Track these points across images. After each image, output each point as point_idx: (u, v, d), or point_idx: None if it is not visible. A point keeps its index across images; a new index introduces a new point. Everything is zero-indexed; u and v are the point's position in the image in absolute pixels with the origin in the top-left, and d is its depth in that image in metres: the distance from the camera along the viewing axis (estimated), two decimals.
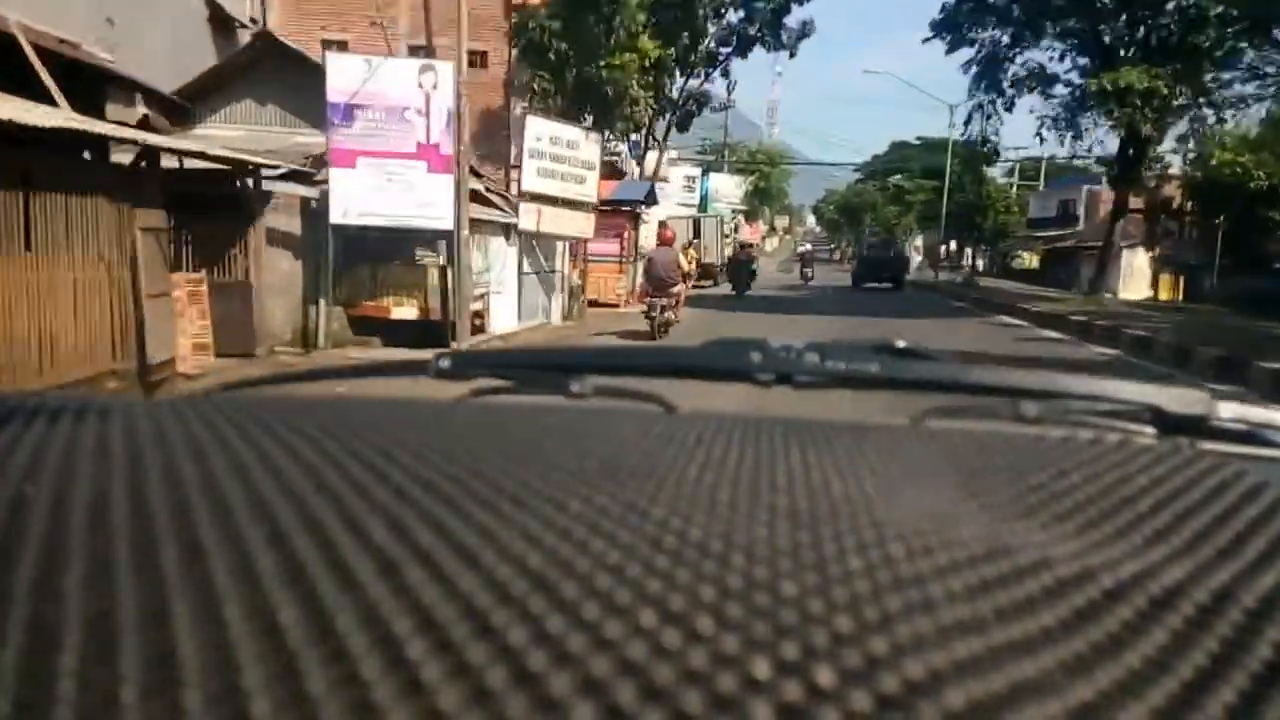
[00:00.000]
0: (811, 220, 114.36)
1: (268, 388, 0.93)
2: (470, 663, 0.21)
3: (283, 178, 8.84)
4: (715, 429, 0.57)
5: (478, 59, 15.37)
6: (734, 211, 36.03)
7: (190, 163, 7.70)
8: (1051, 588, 0.28)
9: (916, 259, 39.59)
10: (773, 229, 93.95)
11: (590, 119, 16.38)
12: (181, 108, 9.41)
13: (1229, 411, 0.66)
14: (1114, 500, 0.40)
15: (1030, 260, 48.28)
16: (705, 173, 35.22)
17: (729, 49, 25.42)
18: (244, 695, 0.19)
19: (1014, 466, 0.47)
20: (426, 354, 0.80)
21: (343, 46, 14.68)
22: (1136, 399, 0.66)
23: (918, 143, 54.76)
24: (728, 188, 35.35)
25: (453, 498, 0.34)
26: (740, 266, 21.46)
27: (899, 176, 51.52)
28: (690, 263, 15.67)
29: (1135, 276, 33.57)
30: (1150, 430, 0.64)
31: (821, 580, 0.27)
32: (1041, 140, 21.13)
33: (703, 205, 35.07)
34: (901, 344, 0.78)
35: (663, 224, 14.43)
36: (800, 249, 41.28)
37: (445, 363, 0.77)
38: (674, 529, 0.32)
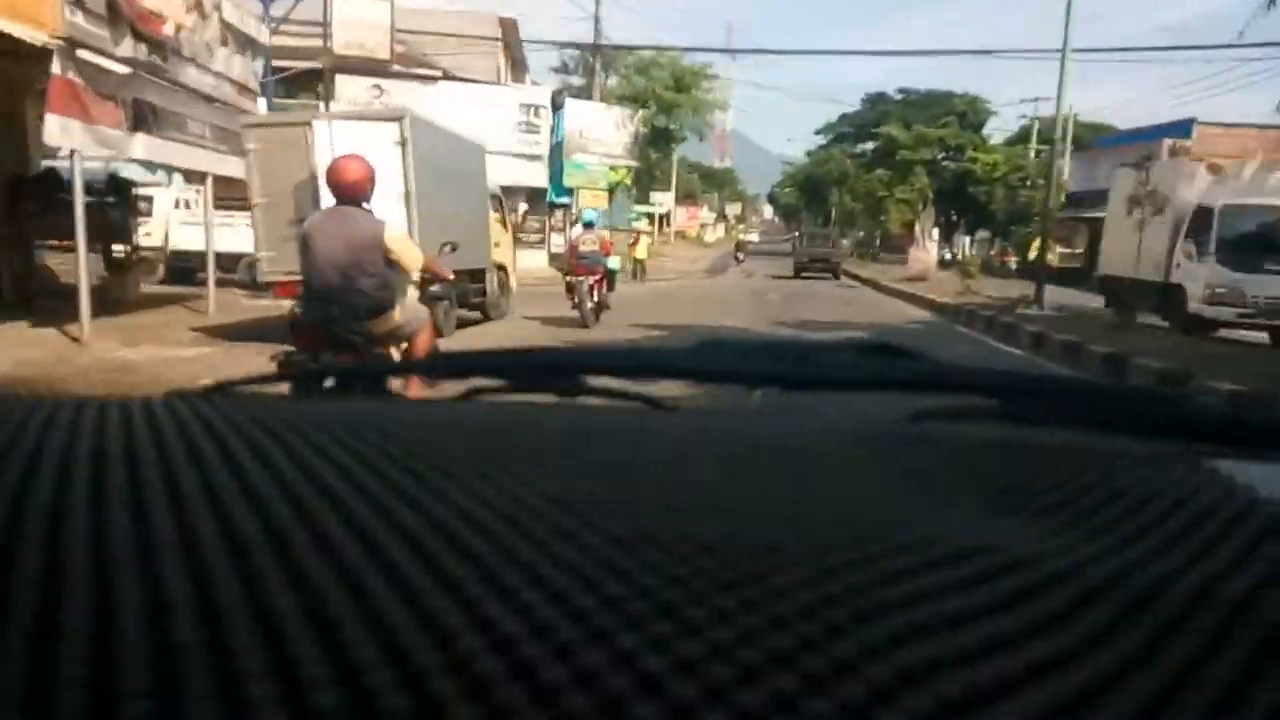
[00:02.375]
0: (769, 211, 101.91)
1: (264, 386, 0.90)
2: (467, 656, 0.22)
3: None
4: (706, 428, 0.59)
5: None
6: (614, 168, 21.42)
7: None
8: (1035, 584, 0.28)
9: (930, 250, 23.81)
10: (723, 217, 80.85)
11: None
12: None
13: (1217, 413, 0.66)
14: (1099, 499, 0.40)
15: (1027, 249, 34.12)
16: (557, 105, 20.50)
17: None
18: (244, 694, 0.20)
19: (1002, 466, 0.49)
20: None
21: None
22: (1124, 400, 0.69)
23: (899, 96, 40.70)
24: (603, 128, 20.82)
25: (449, 495, 0.35)
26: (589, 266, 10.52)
27: (889, 127, 37.18)
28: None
29: None
30: (1137, 431, 0.64)
31: (813, 575, 0.28)
32: None
33: (556, 157, 20.38)
34: (893, 344, 0.78)
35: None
36: (741, 238, 37.84)
37: (442, 363, 0.79)
38: (667, 526, 0.32)
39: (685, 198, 60.66)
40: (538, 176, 19.74)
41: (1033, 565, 0.30)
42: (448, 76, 19.01)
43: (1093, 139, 38.41)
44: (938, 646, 0.23)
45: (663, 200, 48.67)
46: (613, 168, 21.45)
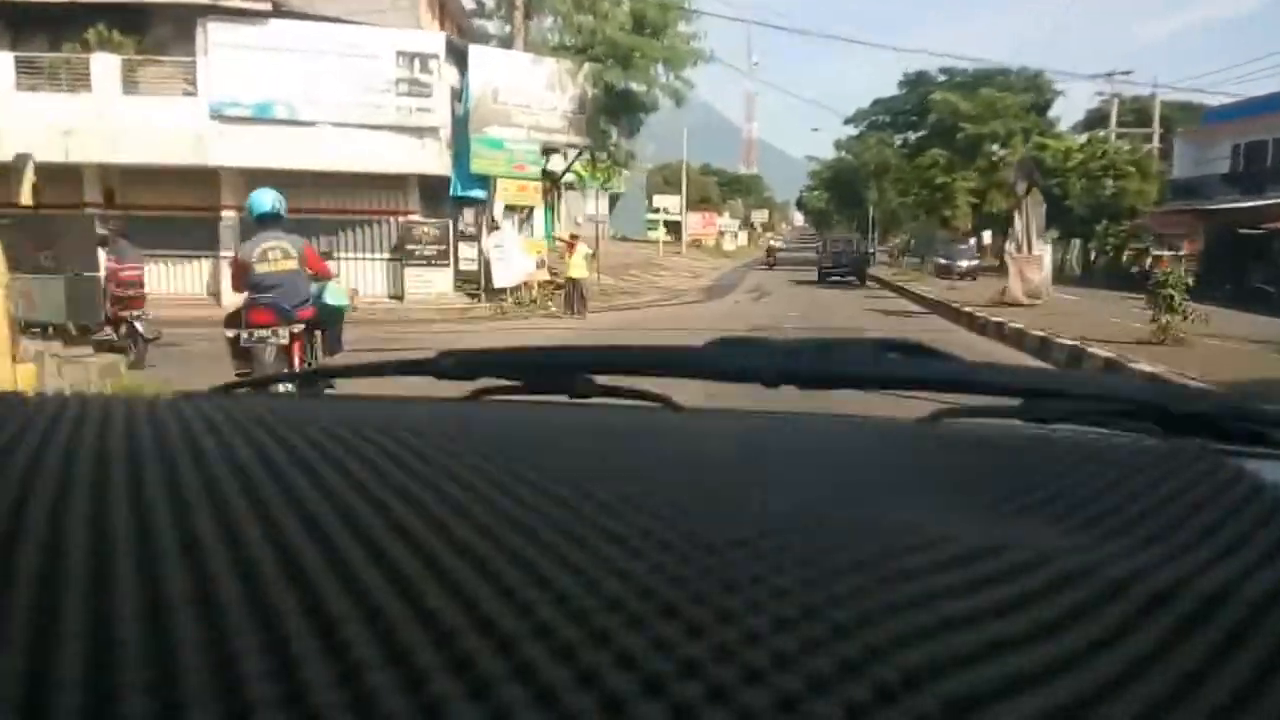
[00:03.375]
0: (800, 218, 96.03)
1: (270, 387, 0.87)
2: (470, 657, 0.21)
3: None
4: (719, 427, 0.58)
5: None
6: (550, 149, 14.84)
7: None
8: (1051, 583, 0.28)
9: (1042, 257, 14.40)
10: (749, 224, 74.29)
11: None
12: None
13: (1234, 412, 0.65)
14: (1117, 498, 0.40)
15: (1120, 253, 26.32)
16: (458, 56, 13.94)
17: None
18: (244, 694, 0.20)
19: (1021, 465, 0.49)
20: (431, 354, 0.81)
21: None
22: (1143, 399, 0.67)
23: (943, 78, 33.77)
24: (530, 90, 14.18)
25: (455, 497, 0.35)
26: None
27: (946, 94, 29.94)
28: None
29: None
30: (1157, 430, 0.63)
31: (822, 574, 0.28)
32: None
33: (462, 133, 13.93)
34: (910, 342, 0.75)
35: None
36: (772, 244, 37.67)
37: (451, 362, 0.77)
38: (678, 526, 0.32)
39: (700, 203, 54.12)
40: (433, 160, 13.31)
41: (1053, 564, 0.29)
42: (280, 11, 12.69)
43: (1180, 118, 31.33)
44: (951, 645, 0.23)
45: (668, 205, 42.22)
46: (549, 149, 14.85)
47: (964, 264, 24.66)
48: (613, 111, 15.15)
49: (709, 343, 0.74)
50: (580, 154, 15.49)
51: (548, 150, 14.78)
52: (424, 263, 13.63)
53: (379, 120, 12.91)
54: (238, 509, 0.31)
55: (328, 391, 0.83)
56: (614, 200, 51.03)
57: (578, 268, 12.39)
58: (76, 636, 0.22)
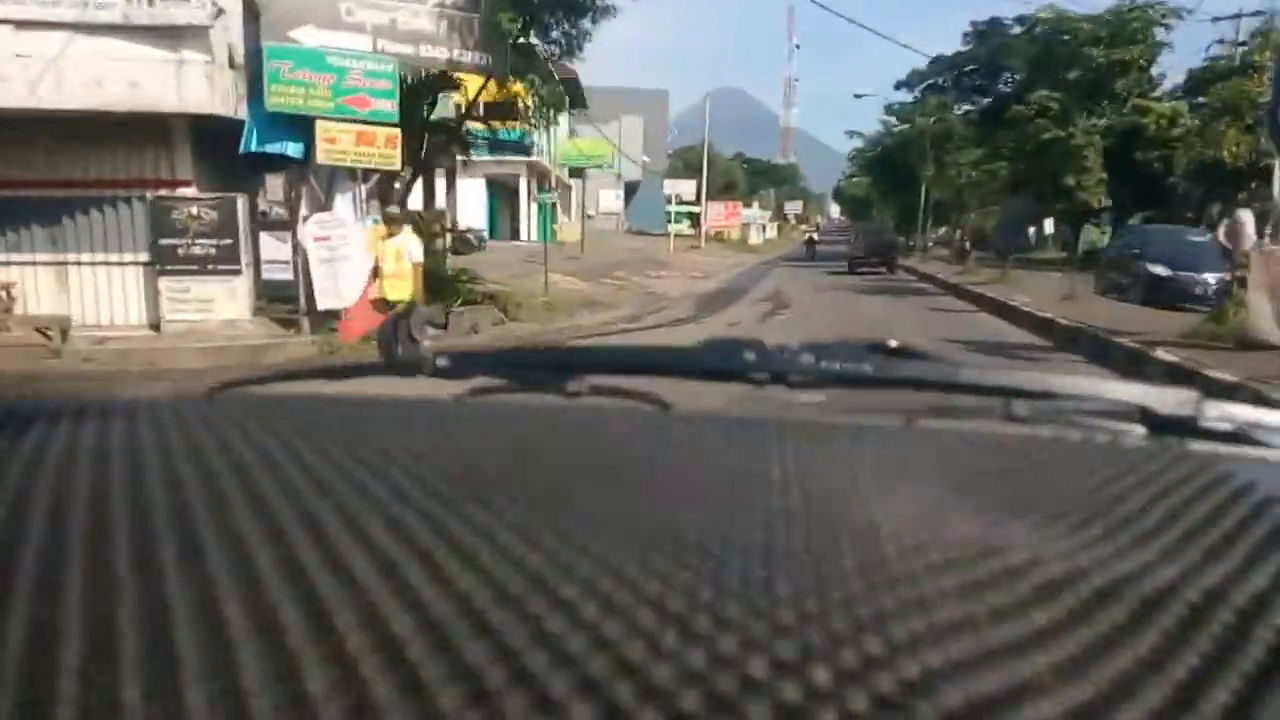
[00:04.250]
0: (836, 211, 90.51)
1: (266, 387, 0.90)
2: (468, 662, 0.21)
3: None
4: (710, 428, 0.60)
5: None
6: (438, 85, 9.05)
7: None
8: (1043, 587, 0.28)
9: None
10: (782, 216, 68.41)
11: None
12: None
13: (1217, 412, 0.66)
14: (1103, 500, 0.40)
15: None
16: None
17: None
18: (244, 695, 0.20)
19: (1005, 466, 0.50)
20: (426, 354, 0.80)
21: None
22: (1126, 399, 0.68)
23: (1018, 29, 27.43)
24: None
25: (451, 497, 0.35)
26: None
27: (1052, 12, 23.67)
28: None
29: None
30: (1139, 430, 0.64)
31: (816, 580, 0.28)
32: None
33: (256, 35, 8.20)
34: (895, 344, 0.77)
35: None
36: (812, 236, 36.81)
37: (444, 362, 0.78)
38: (670, 528, 0.32)
39: (724, 190, 48.17)
40: (200, 87, 7.64)
41: (1041, 568, 0.29)
42: None
43: None
44: (944, 653, 0.23)
45: (681, 190, 36.33)
46: (441, 74, 8.88)
47: (1211, 278, 10.89)
48: (528, 10, 9.06)
49: (700, 342, 0.75)
50: (485, 86, 9.58)
51: (437, 82, 8.85)
52: (195, 268, 8.02)
53: (97, 16, 7.36)
54: (234, 509, 0.31)
55: (316, 391, 0.81)
56: (630, 190, 45.20)
57: (393, 283, 6.60)
58: (76, 641, 0.21)
